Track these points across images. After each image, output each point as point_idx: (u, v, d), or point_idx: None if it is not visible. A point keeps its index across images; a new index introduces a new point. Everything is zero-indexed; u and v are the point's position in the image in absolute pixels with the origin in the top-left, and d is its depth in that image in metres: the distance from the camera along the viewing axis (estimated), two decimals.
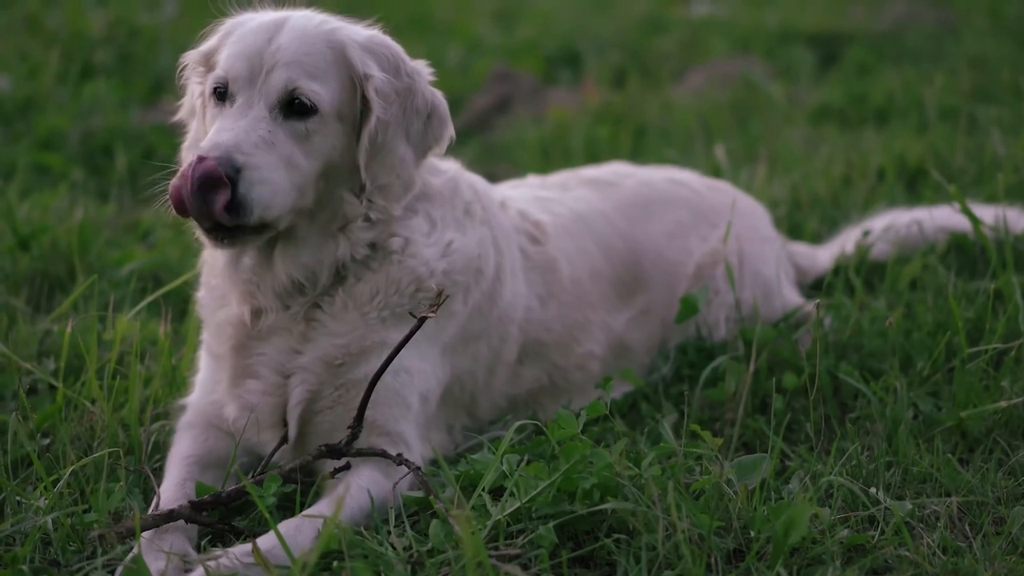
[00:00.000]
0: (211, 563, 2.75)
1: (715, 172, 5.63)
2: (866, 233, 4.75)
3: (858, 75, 8.28)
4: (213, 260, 3.42)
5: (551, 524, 2.85)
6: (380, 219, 3.30)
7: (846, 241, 4.83)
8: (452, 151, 3.51)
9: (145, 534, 2.91)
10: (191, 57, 3.39)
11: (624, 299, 4.03)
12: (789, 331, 4.06)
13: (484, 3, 11.35)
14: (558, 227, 3.89)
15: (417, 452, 3.27)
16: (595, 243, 3.99)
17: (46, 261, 4.76)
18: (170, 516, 2.96)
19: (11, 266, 4.72)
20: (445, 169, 3.55)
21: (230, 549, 2.81)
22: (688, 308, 3.97)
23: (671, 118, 7.35)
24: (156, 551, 2.88)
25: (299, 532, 2.89)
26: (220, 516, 3.13)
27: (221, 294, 3.39)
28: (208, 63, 3.31)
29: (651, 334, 4.09)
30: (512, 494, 2.94)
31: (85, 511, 3.10)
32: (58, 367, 3.74)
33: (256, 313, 3.32)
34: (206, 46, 3.34)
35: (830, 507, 3.06)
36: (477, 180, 3.68)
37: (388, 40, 3.33)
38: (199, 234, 3.16)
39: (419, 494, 3.09)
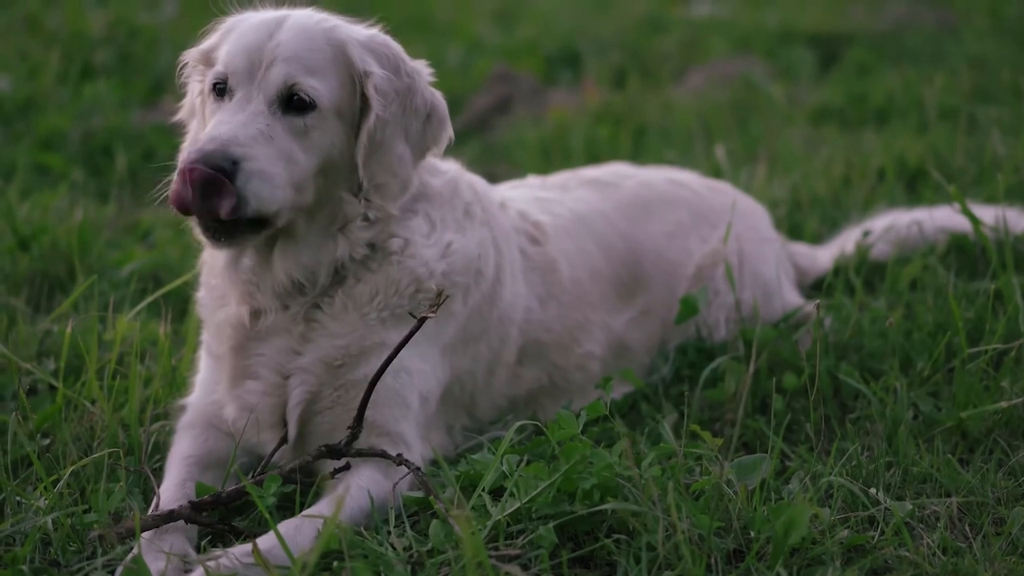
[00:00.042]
0: (211, 563, 2.75)
1: (715, 172, 5.63)
2: (866, 233, 4.75)
3: (858, 75, 8.28)
4: (213, 260, 3.42)
5: (551, 524, 2.85)
6: (379, 219, 3.29)
7: (846, 241, 4.83)
8: (452, 151, 3.50)
9: (145, 534, 2.91)
10: (191, 55, 3.39)
11: (624, 300, 4.03)
12: (789, 332, 4.06)
13: (484, 3, 11.35)
14: (558, 228, 3.89)
15: (417, 452, 3.27)
16: (595, 244, 3.98)
17: (46, 261, 4.76)
18: (170, 516, 2.96)
19: (11, 266, 4.72)
20: (445, 170, 3.55)
21: (230, 549, 2.81)
22: (688, 309, 3.97)
23: (671, 118, 7.34)
24: (156, 551, 2.88)
25: (299, 532, 2.88)
26: (220, 516, 3.13)
27: (221, 294, 3.39)
28: (208, 61, 3.31)
29: (651, 334, 4.09)
30: (512, 494, 2.93)
31: (85, 511, 3.10)
32: (58, 367, 3.73)
33: (255, 313, 3.32)
34: (206, 44, 3.34)
35: (830, 507, 3.06)
36: (477, 181, 3.68)
37: (388, 39, 3.33)
38: (198, 234, 3.16)
39: (419, 494, 3.09)
